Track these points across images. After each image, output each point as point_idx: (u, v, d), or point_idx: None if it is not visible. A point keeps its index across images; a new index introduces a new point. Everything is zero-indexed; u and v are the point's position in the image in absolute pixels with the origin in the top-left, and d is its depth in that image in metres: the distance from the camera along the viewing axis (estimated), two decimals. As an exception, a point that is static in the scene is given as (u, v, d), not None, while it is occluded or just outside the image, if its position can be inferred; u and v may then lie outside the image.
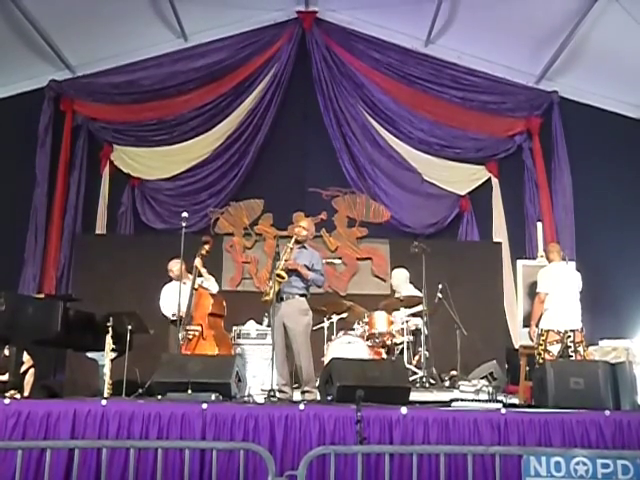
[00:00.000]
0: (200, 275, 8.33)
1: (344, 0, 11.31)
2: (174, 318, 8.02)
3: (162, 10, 10.87)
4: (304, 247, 7.37)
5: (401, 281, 9.40)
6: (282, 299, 7.07)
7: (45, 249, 11.09)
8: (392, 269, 10.01)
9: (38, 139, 11.31)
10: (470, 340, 8.94)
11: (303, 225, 7.50)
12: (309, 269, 7.13)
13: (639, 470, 3.95)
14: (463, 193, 11.58)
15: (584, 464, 3.97)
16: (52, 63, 11.33)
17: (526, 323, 8.77)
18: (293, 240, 7.33)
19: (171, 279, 8.54)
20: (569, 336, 7.72)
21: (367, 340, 8.56)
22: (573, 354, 7.66)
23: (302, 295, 7.15)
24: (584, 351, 7.76)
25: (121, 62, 11.55)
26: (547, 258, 8.45)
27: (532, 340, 8.10)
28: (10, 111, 11.34)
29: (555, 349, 7.70)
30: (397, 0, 10.62)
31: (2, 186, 11.03)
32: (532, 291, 8.64)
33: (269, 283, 7.20)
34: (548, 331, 7.78)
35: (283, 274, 7.00)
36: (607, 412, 5.47)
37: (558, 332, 7.74)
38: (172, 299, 8.10)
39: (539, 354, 7.78)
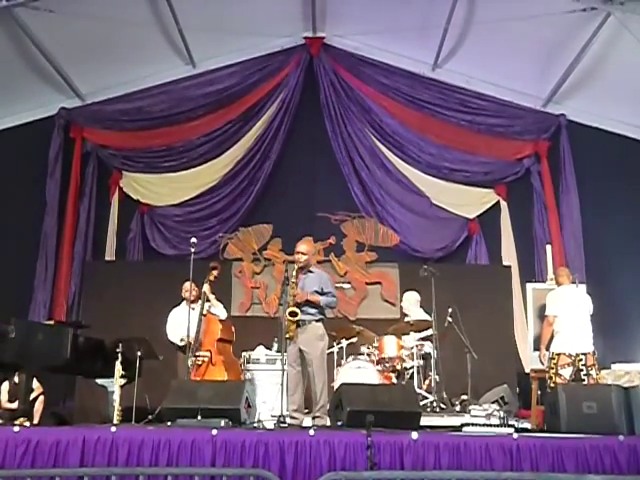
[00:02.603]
0: (208, 301, 8.32)
1: (351, 26, 11.39)
2: (182, 344, 7.99)
3: (171, 37, 10.98)
4: (310, 271, 7.26)
5: (411, 304, 9.37)
6: (298, 325, 7.00)
7: (55, 276, 11.13)
8: (402, 293, 10.00)
9: (48, 166, 11.40)
10: (480, 364, 8.89)
11: (301, 250, 7.23)
12: (320, 293, 7.07)
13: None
14: (472, 216, 11.58)
15: (598, 490, 3.93)
16: (62, 91, 11.46)
17: (536, 347, 8.72)
18: (296, 270, 7.17)
19: (181, 302, 8.49)
20: (580, 359, 7.66)
21: (377, 365, 8.53)
22: (585, 377, 7.59)
23: (318, 320, 7.09)
24: (597, 375, 7.69)
25: (130, 89, 11.66)
26: (556, 282, 8.41)
27: (543, 364, 8.03)
28: (21, 139, 11.43)
29: (567, 372, 7.64)
30: (404, 25, 10.69)
31: (13, 213, 11.10)
32: (542, 314, 8.60)
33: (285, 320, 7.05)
34: (559, 354, 7.72)
35: (296, 310, 6.90)
36: (621, 437, 5.40)
37: (569, 355, 7.68)
38: (179, 324, 8.09)
39: (550, 378, 7.71)
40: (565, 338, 7.74)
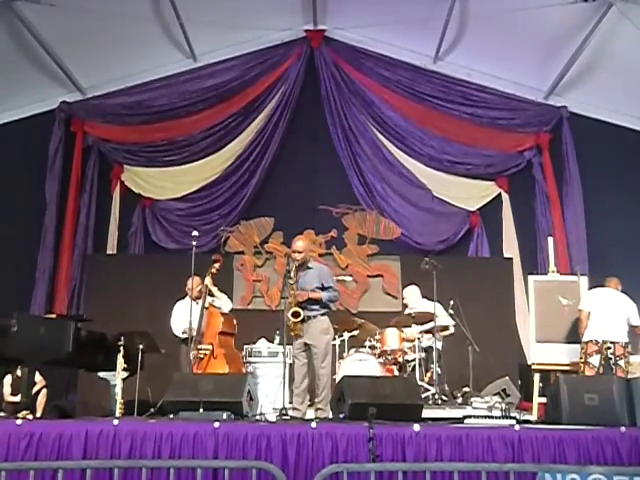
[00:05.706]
0: (211, 294, 8.31)
1: (352, 18, 11.35)
2: (185, 336, 7.99)
3: (172, 31, 10.96)
4: (308, 267, 7.19)
5: (414, 297, 9.33)
6: (303, 321, 6.98)
7: (56, 269, 11.13)
8: (403, 286, 9.99)
9: (49, 160, 11.39)
10: (482, 356, 8.90)
11: (297, 249, 7.12)
12: (321, 289, 7.06)
13: (656, 487, 3.91)
14: (473, 209, 11.57)
15: (600, 481, 3.93)
16: (63, 85, 11.44)
17: (538, 339, 8.72)
18: (293, 268, 7.09)
19: (185, 295, 8.47)
20: (609, 347, 7.65)
21: (379, 357, 8.53)
22: (614, 367, 7.58)
23: (323, 314, 7.07)
24: (625, 366, 7.67)
25: (131, 83, 11.65)
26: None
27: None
28: (22, 133, 11.42)
29: (595, 360, 7.64)
30: (405, 18, 10.65)
31: (14, 207, 11.10)
32: (544, 306, 8.64)
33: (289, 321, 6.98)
34: (588, 342, 7.74)
35: (299, 311, 6.88)
36: (623, 428, 5.41)
37: (596, 342, 7.69)
38: (183, 317, 8.09)
39: (580, 368, 7.73)
40: (594, 327, 7.80)
